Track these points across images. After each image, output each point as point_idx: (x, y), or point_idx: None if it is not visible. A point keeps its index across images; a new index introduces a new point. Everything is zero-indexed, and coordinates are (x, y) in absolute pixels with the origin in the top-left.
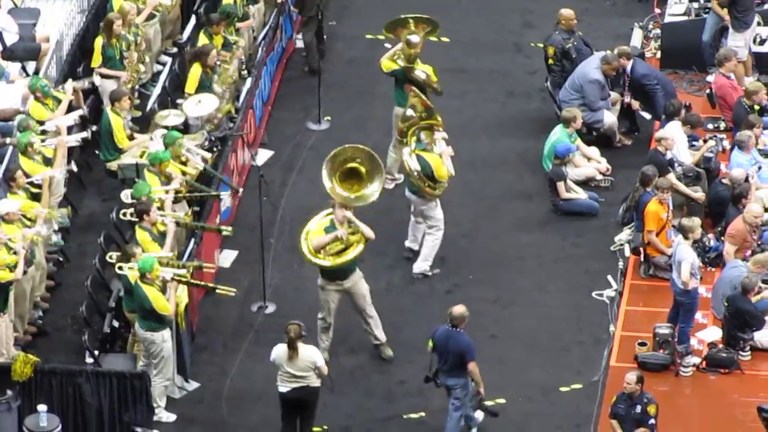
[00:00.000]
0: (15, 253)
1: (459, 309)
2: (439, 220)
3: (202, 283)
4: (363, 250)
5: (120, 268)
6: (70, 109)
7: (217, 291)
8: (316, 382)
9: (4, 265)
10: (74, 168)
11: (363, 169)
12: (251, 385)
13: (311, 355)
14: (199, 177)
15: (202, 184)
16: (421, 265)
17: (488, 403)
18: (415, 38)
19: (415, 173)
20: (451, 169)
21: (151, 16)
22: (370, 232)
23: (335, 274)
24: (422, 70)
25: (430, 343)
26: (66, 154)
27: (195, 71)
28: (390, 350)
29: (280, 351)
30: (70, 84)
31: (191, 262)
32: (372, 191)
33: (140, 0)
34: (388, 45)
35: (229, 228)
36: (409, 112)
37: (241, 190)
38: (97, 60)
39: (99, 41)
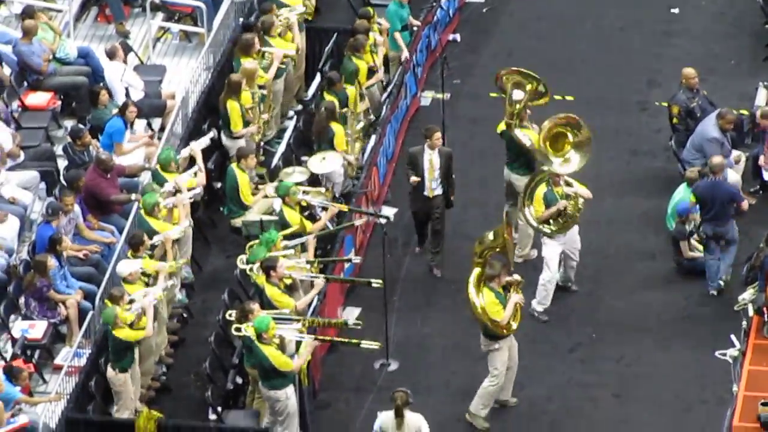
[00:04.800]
0: (138, 311)
1: (717, 159)
2: None
3: (346, 339)
4: None
5: (238, 329)
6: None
7: (362, 346)
8: None
9: (127, 324)
10: (190, 223)
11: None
12: None
13: (417, 422)
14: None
15: (325, 242)
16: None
17: None
18: (518, 94)
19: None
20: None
21: (278, 74)
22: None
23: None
24: (525, 134)
25: (693, 198)
26: (188, 213)
27: (338, 130)
28: (514, 398)
29: (386, 418)
30: (189, 148)
31: (322, 319)
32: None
33: (262, 57)
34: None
35: (379, 281)
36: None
37: (383, 219)
38: (238, 124)
39: (235, 105)
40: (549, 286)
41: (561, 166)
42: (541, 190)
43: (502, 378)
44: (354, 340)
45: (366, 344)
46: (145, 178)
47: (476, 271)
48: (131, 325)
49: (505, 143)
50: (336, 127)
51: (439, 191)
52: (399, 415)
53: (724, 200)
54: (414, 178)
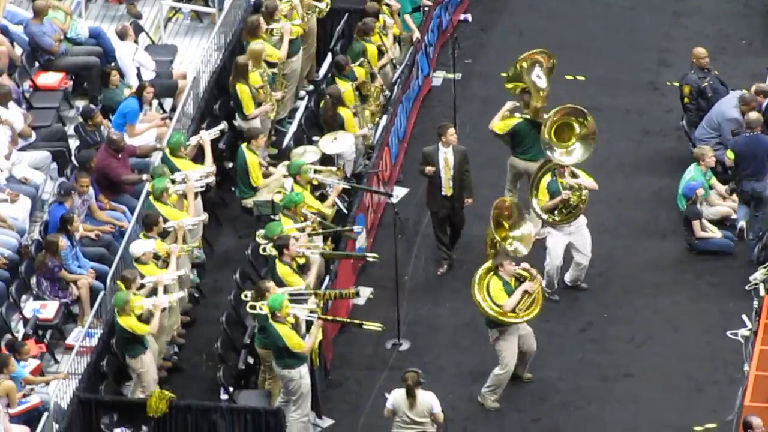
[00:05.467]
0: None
1: (753, 114)
2: None
3: (349, 320)
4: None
5: (253, 307)
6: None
7: (364, 327)
8: (431, 429)
9: (135, 314)
10: (205, 219)
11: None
12: (385, 422)
13: (429, 402)
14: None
15: (337, 222)
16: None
17: None
18: (541, 81)
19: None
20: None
21: (294, 51)
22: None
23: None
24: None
25: (732, 155)
26: (194, 199)
27: (347, 114)
28: (529, 373)
29: (399, 397)
30: (199, 137)
31: (333, 290)
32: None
33: (270, 35)
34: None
35: (375, 255)
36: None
37: (393, 198)
38: (250, 106)
39: (244, 88)
40: (552, 272)
41: (563, 157)
42: (546, 179)
43: (512, 368)
44: (356, 321)
45: (368, 326)
46: (156, 158)
47: (488, 262)
48: (139, 317)
49: (519, 136)
50: (344, 112)
51: (457, 189)
52: (411, 395)
53: (765, 153)
54: (429, 168)
